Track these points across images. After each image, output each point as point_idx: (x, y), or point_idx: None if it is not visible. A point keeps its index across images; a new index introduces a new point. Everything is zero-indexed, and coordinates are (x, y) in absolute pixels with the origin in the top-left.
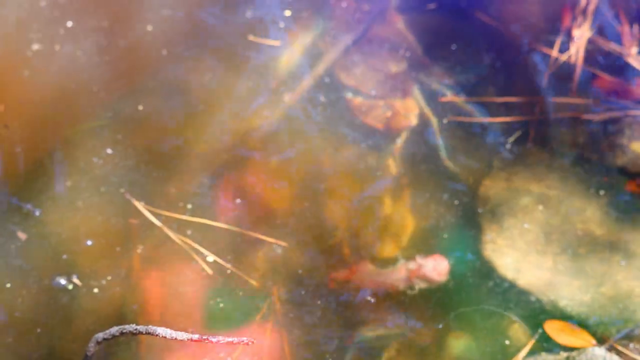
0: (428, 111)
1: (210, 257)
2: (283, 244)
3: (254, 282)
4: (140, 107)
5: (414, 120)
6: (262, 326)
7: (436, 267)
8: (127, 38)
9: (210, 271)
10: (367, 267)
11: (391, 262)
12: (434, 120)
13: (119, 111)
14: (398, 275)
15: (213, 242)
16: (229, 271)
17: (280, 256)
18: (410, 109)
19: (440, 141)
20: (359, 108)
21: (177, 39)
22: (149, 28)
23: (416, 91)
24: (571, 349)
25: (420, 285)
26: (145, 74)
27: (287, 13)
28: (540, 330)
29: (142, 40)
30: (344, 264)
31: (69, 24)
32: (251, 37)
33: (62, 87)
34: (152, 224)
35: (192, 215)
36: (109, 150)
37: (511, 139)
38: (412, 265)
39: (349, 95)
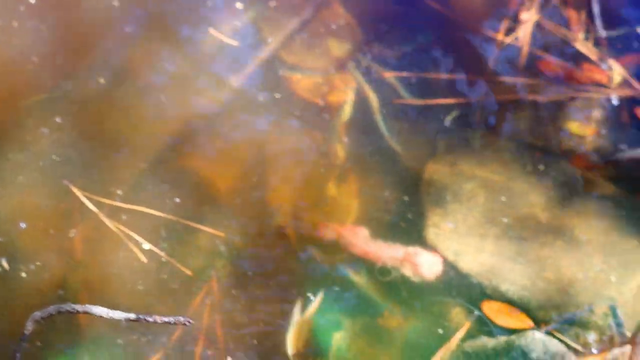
0: (369, 91)
1: (146, 245)
2: (220, 234)
3: (188, 272)
4: (92, 85)
5: (351, 96)
6: (199, 309)
7: (432, 265)
8: (92, 12)
9: (144, 259)
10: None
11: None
12: (374, 101)
13: (71, 87)
14: (394, 252)
15: (149, 229)
16: (163, 259)
17: (222, 241)
18: (349, 83)
19: (383, 123)
20: (299, 85)
21: (140, 17)
22: (115, 3)
23: (356, 70)
24: (510, 332)
25: (402, 272)
26: (103, 50)
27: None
28: (477, 313)
29: (107, 16)
30: (289, 246)
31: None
32: (211, 31)
33: (19, 61)
34: (88, 208)
35: (129, 202)
36: (47, 130)
37: (449, 117)
38: (411, 249)
39: (290, 73)
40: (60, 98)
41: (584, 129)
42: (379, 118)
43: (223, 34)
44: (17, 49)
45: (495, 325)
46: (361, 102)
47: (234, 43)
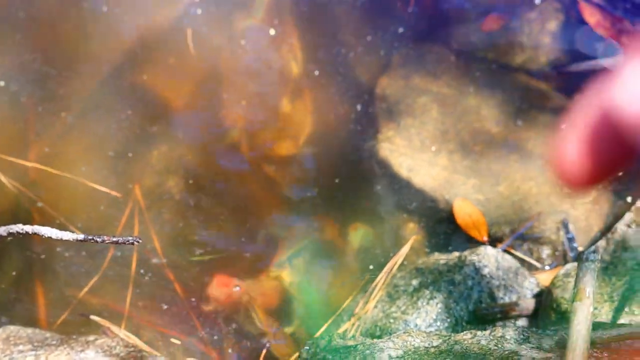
0: None
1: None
2: (117, 194)
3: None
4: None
5: None
6: (147, 227)
7: None
8: None
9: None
10: None
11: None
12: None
13: (18, 5)
14: None
15: (102, 147)
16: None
17: (177, 154)
18: None
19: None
20: None
21: None
22: None
23: None
24: (463, 249)
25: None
26: None
27: None
28: (426, 222)
29: None
30: (243, 164)
31: None
32: None
33: None
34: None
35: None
36: None
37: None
38: None
39: None
40: (5, 18)
41: (535, 39)
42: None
43: None
44: None
45: (451, 235)
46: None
47: None
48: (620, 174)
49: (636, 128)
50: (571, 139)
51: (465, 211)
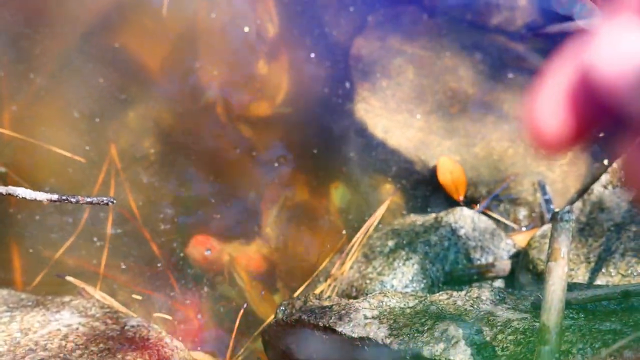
0: None
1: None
2: (82, 159)
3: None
4: None
5: None
6: (123, 188)
7: None
8: None
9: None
10: None
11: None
12: None
13: None
14: None
15: (78, 107)
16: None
17: (153, 115)
18: None
19: None
20: None
21: None
22: None
23: None
24: (439, 210)
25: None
26: None
27: None
28: (402, 183)
29: None
30: (219, 124)
31: None
32: None
33: None
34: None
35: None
36: None
37: None
38: None
39: None
40: None
41: (511, 0)
42: None
43: None
44: None
45: (428, 196)
46: None
47: None
48: (597, 135)
49: (611, 89)
50: (546, 99)
51: (448, 168)
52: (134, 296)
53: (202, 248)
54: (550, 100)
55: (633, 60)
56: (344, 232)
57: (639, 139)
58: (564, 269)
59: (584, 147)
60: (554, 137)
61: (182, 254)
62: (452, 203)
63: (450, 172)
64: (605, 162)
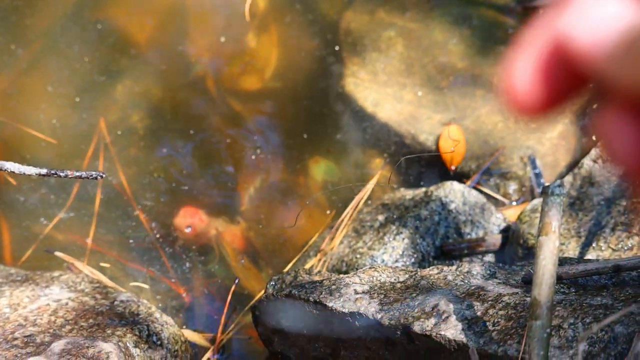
0: None
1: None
2: (53, 140)
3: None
4: None
5: None
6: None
7: None
8: None
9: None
10: None
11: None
12: None
13: None
14: None
15: (66, 82)
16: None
17: (142, 88)
18: None
19: None
20: None
21: None
22: None
23: None
24: (429, 184)
25: None
26: None
27: None
28: (390, 159)
29: None
30: (209, 98)
31: None
32: None
33: None
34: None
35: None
36: None
37: None
38: None
39: None
40: None
41: None
42: None
43: None
44: None
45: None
46: None
47: None
48: (574, 103)
49: (587, 58)
50: (522, 67)
51: (453, 136)
52: (124, 271)
53: (190, 219)
54: (525, 67)
55: (607, 29)
56: (333, 206)
57: (615, 111)
58: (555, 243)
59: (558, 115)
60: (529, 105)
61: (171, 226)
62: (442, 177)
63: (453, 140)
64: (594, 136)
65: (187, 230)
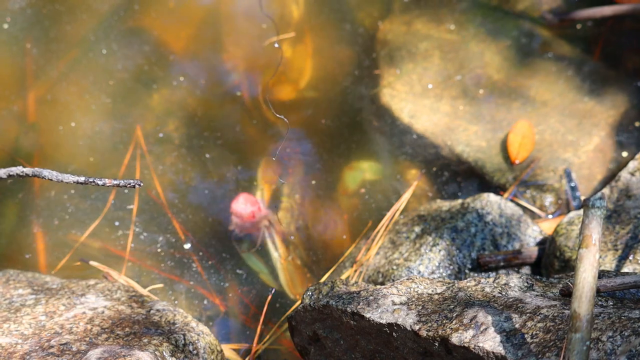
0: None
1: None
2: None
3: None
4: None
5: None
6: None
7: None
8: None
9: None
10: None
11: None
12: None
13: None
14: None
15: (102, 90)
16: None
17: (178, 97)
18: None
19: None
20: None
21: None
22: None
23: None
24: (466, 196)
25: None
26: None
27: None
28: (426, 170)
29: None
30: (243, 107)
31: None
32: None
33: None
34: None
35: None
36: None
37: None
38: None
39: None
40: None
41: None
42: None
43: None
44: None
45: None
46: None
47: None
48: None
49: None
50: None
51: (523, 131)
52: (159, 280)
53: (251, 207)
54: None
55: None
56: (369, 216)
57: None
58: (595, 256)
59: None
60: None
61: (227, 212)
62: (478, 189)
63: (522, 135)
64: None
65: (244, 215)
